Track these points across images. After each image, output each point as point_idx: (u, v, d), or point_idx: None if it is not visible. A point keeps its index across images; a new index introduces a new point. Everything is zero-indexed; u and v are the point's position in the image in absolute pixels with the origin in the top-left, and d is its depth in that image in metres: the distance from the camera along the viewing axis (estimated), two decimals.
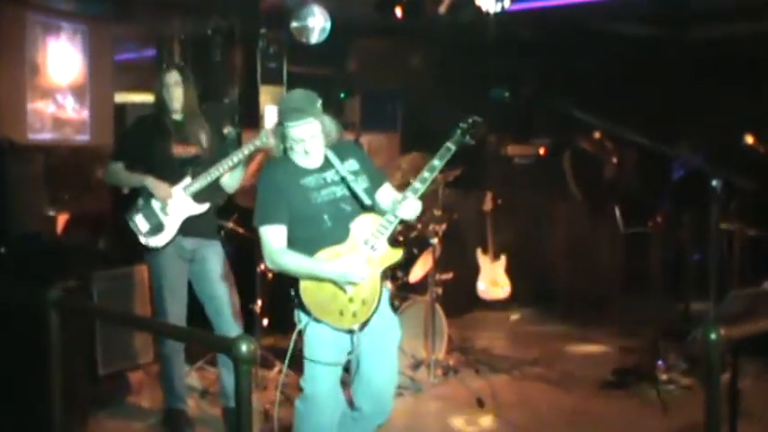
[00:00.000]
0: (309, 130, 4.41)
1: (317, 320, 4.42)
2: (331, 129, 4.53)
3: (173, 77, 5.76)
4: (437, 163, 4.62)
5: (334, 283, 4.39)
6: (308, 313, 4.43)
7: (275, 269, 4.54)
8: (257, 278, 6.78)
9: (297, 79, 8.72)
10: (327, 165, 4.57)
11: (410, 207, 4.46)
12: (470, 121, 4.81)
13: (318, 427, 4.50)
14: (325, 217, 4.46)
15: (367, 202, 4.55)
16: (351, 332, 4.47)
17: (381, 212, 4.57)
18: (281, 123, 4.45)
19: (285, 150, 4.53)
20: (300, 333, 4.48)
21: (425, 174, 4.56)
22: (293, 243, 4.45)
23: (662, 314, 7.33)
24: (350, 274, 4.35)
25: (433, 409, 6.57)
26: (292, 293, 4.46)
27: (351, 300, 4.43)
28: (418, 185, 4.53)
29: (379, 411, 4.67)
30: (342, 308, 4.42)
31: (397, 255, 4.61)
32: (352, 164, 4.60)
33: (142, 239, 5.65)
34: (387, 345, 4.65)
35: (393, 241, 4.65)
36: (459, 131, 4.77)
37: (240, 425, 3.16)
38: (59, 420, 4.11)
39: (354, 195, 4.56)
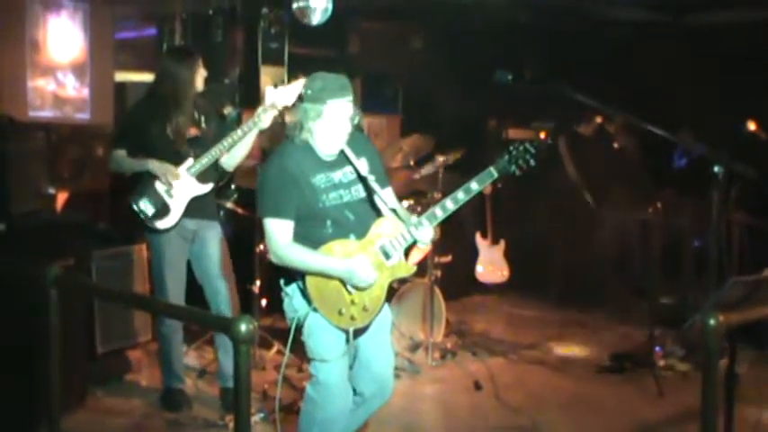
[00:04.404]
0: (346, 108, 4.27)
1: (316, 310, 4.32)
2: (355, 116, 4.34)
3: (198, 64, 5.76)
4: (475, 187, 4.47)
5: (341, 281, 4.32)
6: (309, 302, 4.33)
7: (281, 264, 4.33)
8: (256, 258, 6.78)
9: (298, 60, 8.71)
10: (341, 161, 4.41)
11: (429, 233, 4.41)
12: (521, 148, 4.53)
13: (333, 414, 4.43)
14: (328, 222, 4.32)
15: (384, 208, 4.44)
16: (345, 331, 4.39)
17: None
18: (315, 101, 4.24)
19: (303, 135, 4.32)
20: (299, 323, 4.37)
21: (459, 195, 4.45)
22: (293, 239, 4.32)
23: (660, 300, 7.34)
24: (358, 275, 4.25)
25: (431, 392, 6.58)
26: (293, 282, 4.39)
27: (352, 302, 4.33)
28: (450, 204, 4.46)
29: (380, 394, 4.63)
30: (342, 307, 4.32)
31: (410, 270, 4.57)
32: (363, 164, 4.38)
33: (149, 223, 5.66)
34: (381, 327, 4.58)
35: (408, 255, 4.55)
36: (507, 157, 4.52)
37: (238, 404, 3.17)
38: (58, 398, 4.12)
39: (370, 199, 4.44)
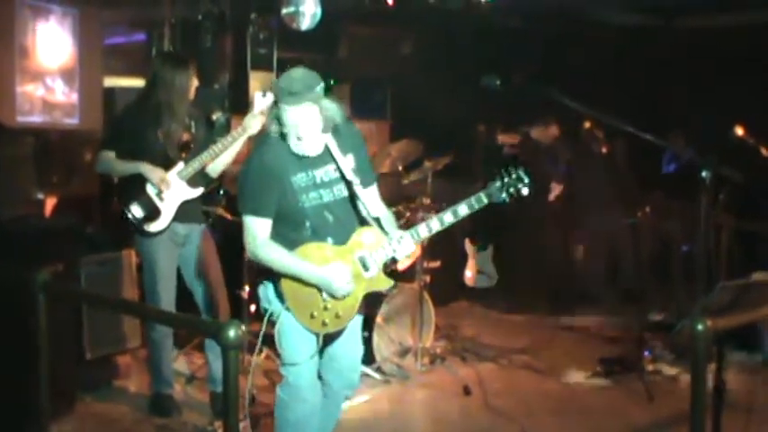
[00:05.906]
0: (304, 114, 4.12)
1: (289, 309, 4.31)
2: (332, 113, 4.21)
3: (193, 71, 5.75)
4: (464, 211, 4.38)
5: (317, 285, 4.29)
6: (282, 301, 4.31)
7: (255, 260, 4.34)
8: (245, 264, 6.76)
9: (287, 65, 8.69)
10: (325, 157, 4.32)
11: (409, 248, 4.36)
12: (515, 176, 4.42)
13: (304, 414, 4.44)
14: (307, 224, 4.29)
15: (364, 212, 4.40)
16: (316, 334, 4.37)
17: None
18: (276, 103, 4.18)
19: (281, 133, 4.24)
20: (271, 318, 4.36)
21: (447, 217, 4.36)
22: (271, 236, 4.31)
23: (649, 304, 7.35)
24: (334, 285, 4.23)
25: (420, 397, 6.57)
26: (268, 279, 4.37)
27: (325, 308, 4.30)
28: (435, 225, 4.37)
29: (348, 385, 4.67)
30: (314, 311, 4.30)
31: (388, 284, 4.47)
32: (349, 160, 4.34)
33: (140, 226, 5.64)
34: (351, 322, 4.54)
35: (388, 268, 4.45)
36: (499, 183, 4.43)
37: (227, 409, 3.17)
38: (46, 403, 4.11)
39: (353, 198, 4.39)
